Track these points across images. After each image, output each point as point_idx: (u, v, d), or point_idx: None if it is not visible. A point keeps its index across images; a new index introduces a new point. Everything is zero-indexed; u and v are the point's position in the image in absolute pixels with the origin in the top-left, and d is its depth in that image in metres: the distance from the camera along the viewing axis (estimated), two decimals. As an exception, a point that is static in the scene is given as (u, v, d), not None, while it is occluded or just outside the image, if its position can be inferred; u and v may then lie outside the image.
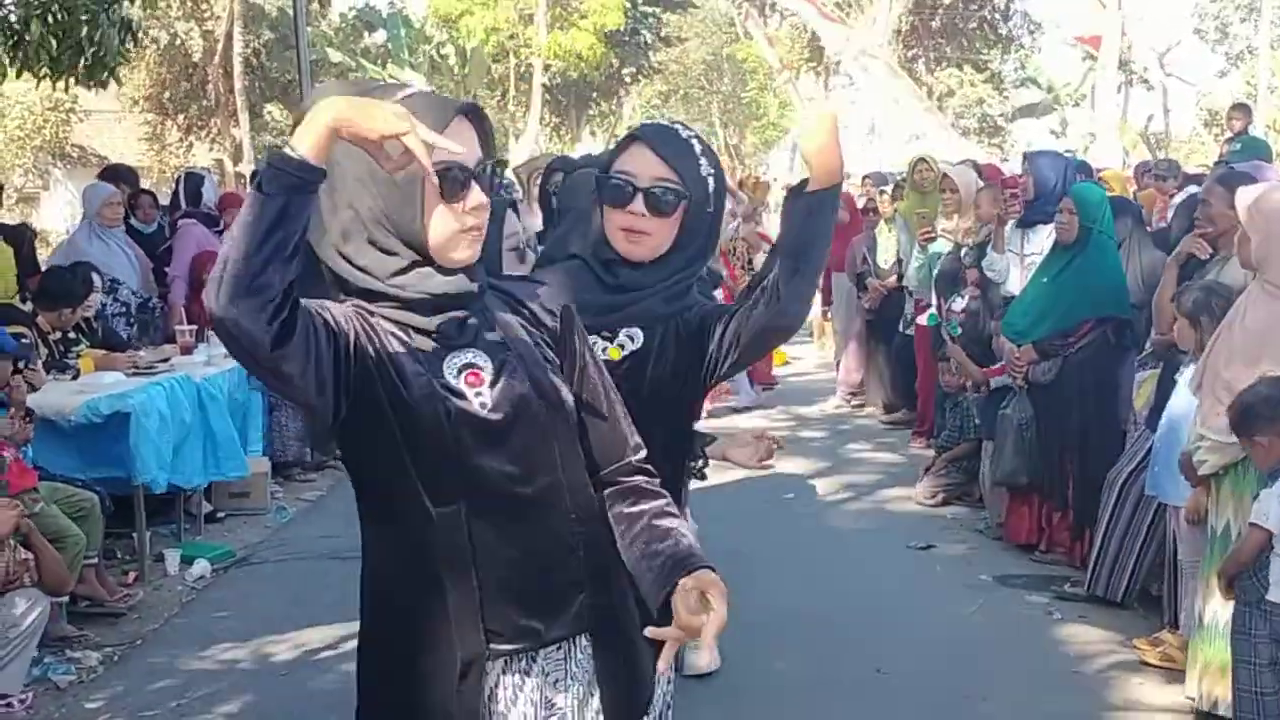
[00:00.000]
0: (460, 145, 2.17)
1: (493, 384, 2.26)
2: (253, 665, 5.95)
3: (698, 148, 2.90)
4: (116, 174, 10.78)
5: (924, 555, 7.45)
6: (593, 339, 2.66)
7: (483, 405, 2.24)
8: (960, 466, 8.56)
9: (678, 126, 2.98)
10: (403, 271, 2.20)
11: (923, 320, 9.35)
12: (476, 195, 2.21)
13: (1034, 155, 8.32)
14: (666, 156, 2.86)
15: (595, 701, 2.38)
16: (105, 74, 8.80)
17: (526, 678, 2.33)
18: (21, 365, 6.41)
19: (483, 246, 2.27)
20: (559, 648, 2.35)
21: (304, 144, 1.95)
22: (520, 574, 2.27)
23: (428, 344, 2.23)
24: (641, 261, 2.89)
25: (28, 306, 7.95)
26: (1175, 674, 5.47)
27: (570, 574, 2.32)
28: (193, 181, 10.76)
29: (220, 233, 9.84)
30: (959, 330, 8.03)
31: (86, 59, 8.51)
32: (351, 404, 2.15)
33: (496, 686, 2.32)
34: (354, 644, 6.16)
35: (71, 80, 9.06)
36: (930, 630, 6.22)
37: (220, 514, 8.48)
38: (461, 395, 2.23)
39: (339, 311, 2.18)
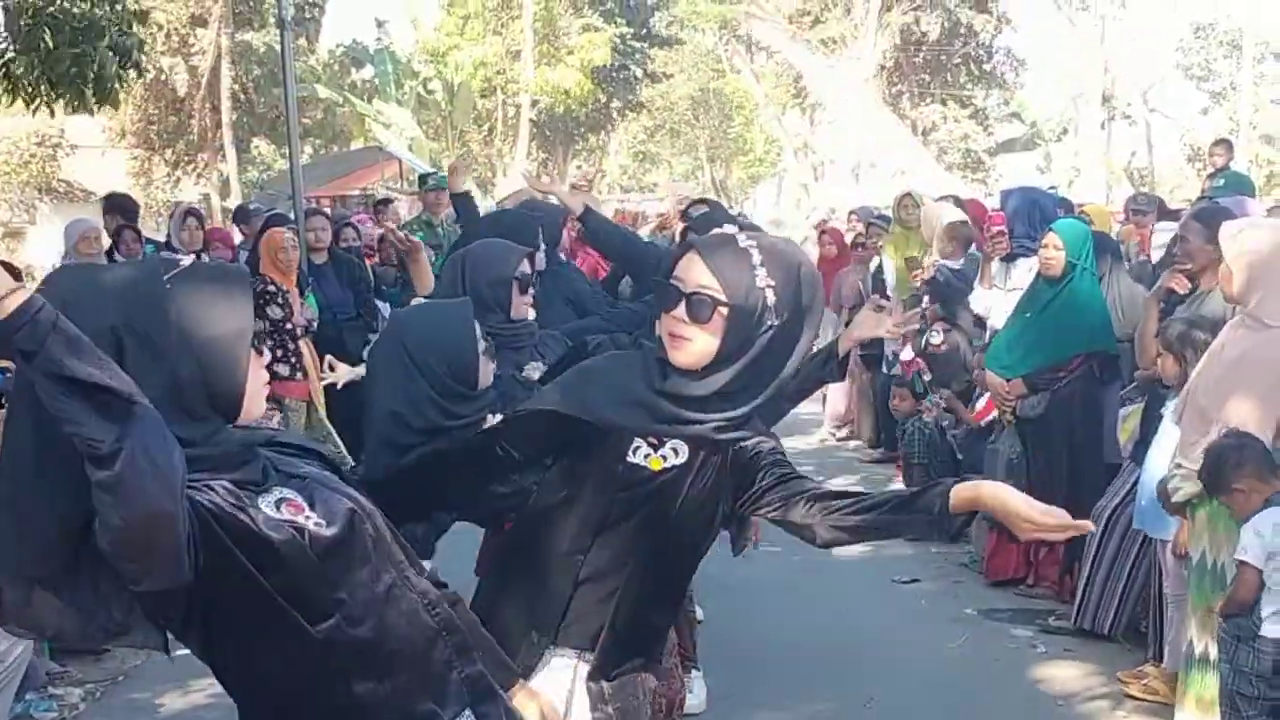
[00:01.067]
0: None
1: (310, 506, 2.29)
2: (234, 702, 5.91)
3: (756, 258, 2.83)
4: (116, 204, 10.77)
5: (909, 589, 7.45)
6: (637, 443, 2.86)
7: (318, 525, 2.26)
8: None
9: (739, 236, 2.91)
10: (212, 435, 2.20)
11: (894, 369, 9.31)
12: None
13: (1006, 193, 8.40)
14: (712, 263, 2.82)
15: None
16: (102, 98, 8.79)
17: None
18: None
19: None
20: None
21: None
22: (406, 665, 2.37)
23: (240, 493, 2.19)
24: (689, 369, 2.86)
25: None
26: (1159, 707, 5.49)
27: (443, 653, 2.44)
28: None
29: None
30: (925, 378, 8.02)
31: (86, 85, 8.51)
32: (203, 561, 2.09)
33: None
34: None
35: (67, 106, 9.04)
36: (917, 663, 6.22)
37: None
38: (294, 523, 2.24)
39: None
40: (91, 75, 8.61)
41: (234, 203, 28.67)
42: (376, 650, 2.31)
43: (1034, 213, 7.78)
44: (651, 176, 45.28)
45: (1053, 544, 7.01)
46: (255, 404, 2.26)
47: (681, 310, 2.82)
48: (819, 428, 12.52)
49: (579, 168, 40.37)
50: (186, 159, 32.77)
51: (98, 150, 31.43)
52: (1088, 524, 2.59)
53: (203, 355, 2.15)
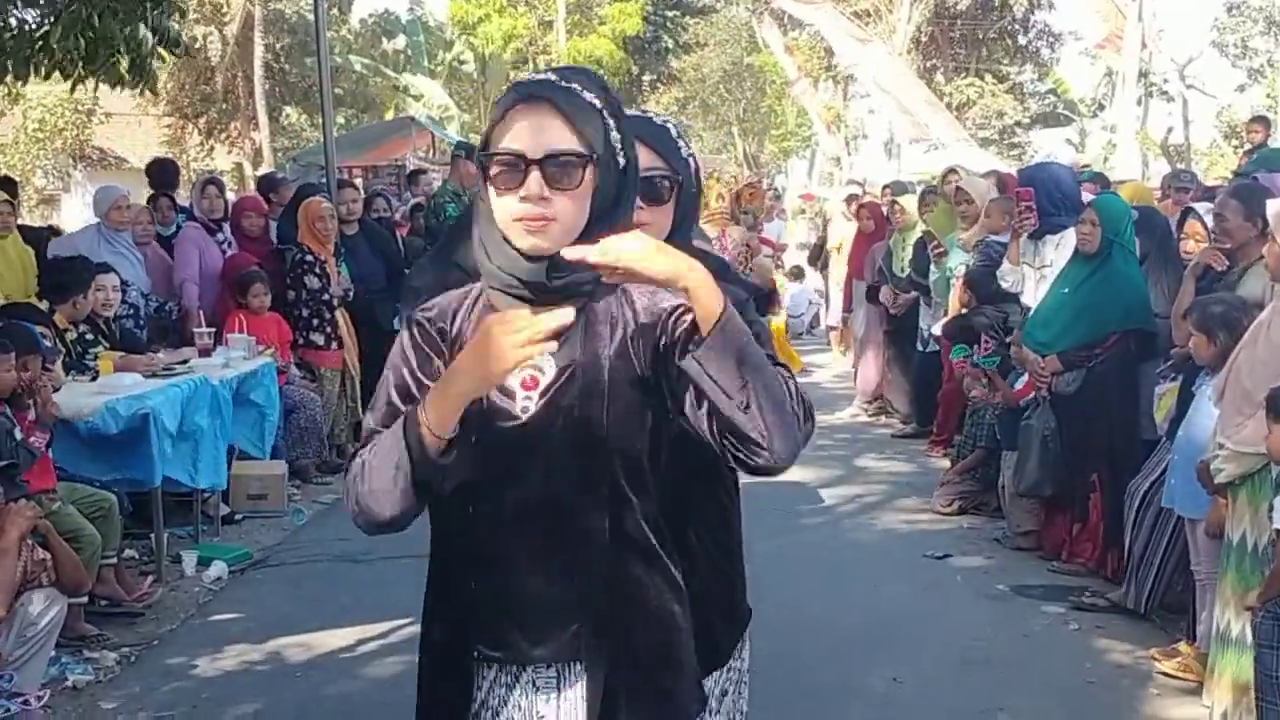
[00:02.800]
0: (533, 142, 2.16)
1: (544, 393, 2.23)
2: (268, 666, 5.96)
3: (673, 132, 2.82)
4: (153, 170, 10.82)
5: (940, 565, 7.43)
6: None
7: (524, 410, 2.22)
8: (975, 475, 8.55)
9: (651, 114, 2.89)
10: (496, 249, 2.21)
11: (955, 356, 9.20)
12: (533, 185, 2.14)
13: (1030, 170, 8.32)
14: (653, 144, 2.76)
15: None
16: (141, 79, 8.80)
17: (511, 691, 2.32)
18: (50, 365, 6.47)
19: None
20: (551, 667, 2.31)
21: (443, 427, 2.10)
22: (515, 587, 2.26)
23: None
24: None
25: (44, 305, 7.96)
26: (1191, 685, 5.46)
27: (564, 601, 2.27)
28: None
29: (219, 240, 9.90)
30: (996, 361, 7.95)
31: (120, 60, 8.52)
32: None
33: (489, 692, 2.33)
34: (368, 646, 6.18)
35: (103, 82, 9.06)
36: (947, 640, 6.20)
37: (237, 516, 8.50)
38: (510, 395, 2.23)
39: (421, 335, 2.31)
40: (125, 53, 8.61)
41: (266, 170, 28.81)
42: (490, 553, 2.30)
43: (1054, 189, 7.70)
44: (683, 149, 45.14)
45: (1087, 520, 7.01)
46: (513, 235, 2.21)
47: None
48: (850, 403, 12.49)
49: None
50: (219, 127, 32.89)
51: (131, 118, 31.53)
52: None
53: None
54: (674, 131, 2.82)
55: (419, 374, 2.26)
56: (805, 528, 8.29)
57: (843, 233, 13.95)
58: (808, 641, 6.09)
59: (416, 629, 5.73)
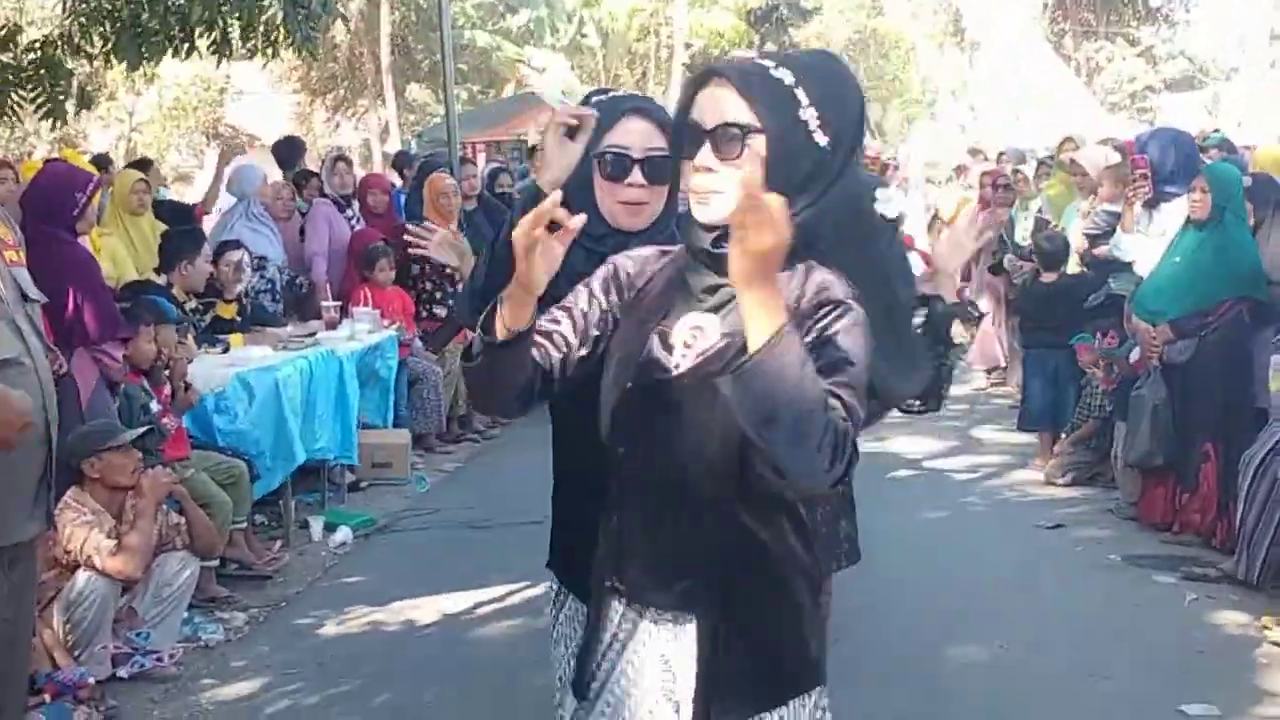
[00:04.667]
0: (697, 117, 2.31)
1: (700, 353, 2.32)
2: (391, 629, 6.17)
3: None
4: (288, 146, 11.12)
5: (1052, 534, 7.43)
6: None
7: (676, 365, 2.33)
8: (1089, 446, 8.51)
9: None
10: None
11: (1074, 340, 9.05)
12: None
13: (1145, 137, 8.20)
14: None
15: (698, 683, 2.36)
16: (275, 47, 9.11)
17: (636, 627, 2.44)
18: (183, 339, 6.74)
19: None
20: (668, 611, 2.40)
21: (514, 317, 2.27)
22: (645, 532, 2.39)
23: (687, 297, 2.37)
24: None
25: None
26: (1305, 656, 5.45)
27: (687, 552, 2.35)
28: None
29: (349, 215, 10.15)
30: (1121, 353, 7.88)
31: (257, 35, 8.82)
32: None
33: (618, 624, 2.46)
34: (487, 610, 6.36)
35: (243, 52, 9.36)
36: (1055, 608, 6.23)
37: (362, 483, 8.76)
38: (670, 349, 2.35)
39: (617, 266, 2.50)
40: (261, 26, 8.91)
41: (393, 148, 29.21)
42: (627, 495, 2.45)
43: (1177, 155, 7.61)
44: (806, 119, 44.80)
45: (1198, 489, 6.97)
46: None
47: (638, 175, 2.87)
48: (973, 373, 12.42)
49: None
50: (346, 104, 33.41)
51: (261, 96, 32.17)
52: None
53: None
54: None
55: (597, 293, 2.46)
56: (918, 497, 8.32)
57: (953, 202, 13.79)
58: (918, 609, 6.16)
59: (535, 592, 5.98)
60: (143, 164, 10.67)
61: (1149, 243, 7.52)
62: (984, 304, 11.69)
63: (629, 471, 2.40)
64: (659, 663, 2.41)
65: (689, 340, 2.33)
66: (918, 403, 3.14)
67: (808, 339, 2.15)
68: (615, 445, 2.40)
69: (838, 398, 2.11)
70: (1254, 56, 26.86)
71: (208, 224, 9.93)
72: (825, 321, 2.21)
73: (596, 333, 2.42)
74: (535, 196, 2.61)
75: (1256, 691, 5.25)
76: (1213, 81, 33.62)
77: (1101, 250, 8.53)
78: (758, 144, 2.24)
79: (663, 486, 2.35)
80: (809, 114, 2.26)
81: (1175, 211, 7.29)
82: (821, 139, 2.26)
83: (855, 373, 2.17)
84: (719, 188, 2.24)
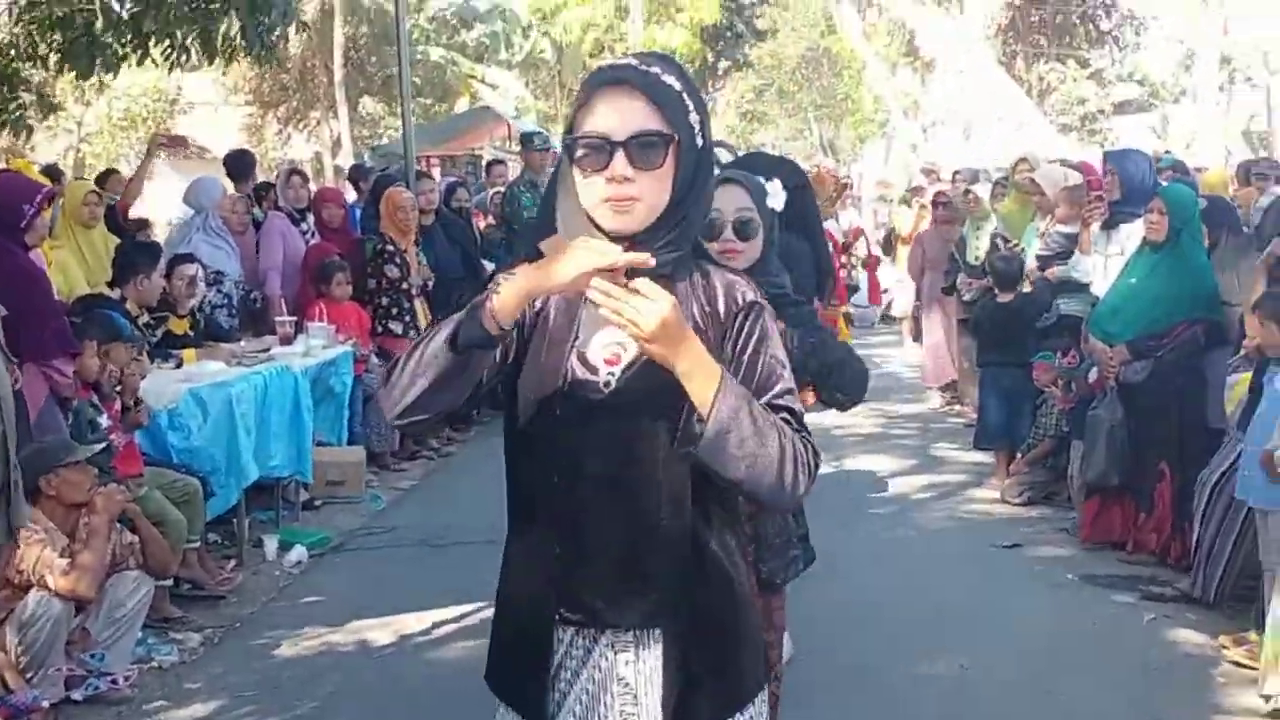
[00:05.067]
0: (619, 124, 2.24)
1: (627, 368, 2.33)
2: (348, 649, 6.11)
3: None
4: (238, 158, 11.01)
5: (1010, 554, 7.45)
6: None
7: (605, 385, 2.32)
8: (1045, 465, 8.55)
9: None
10: (579, 229, 2.29)
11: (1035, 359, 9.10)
12: (618, 166, 2.23)
13: (1117, 155, 8.27)
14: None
15: (664, 693, 2.38)
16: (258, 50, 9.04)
17: (593, 648, 2.40)
18: (138, 355, 6.65)
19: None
20: (629, 630, 2.39)
21: (502, 316, 2.16)
22: (597, 554, 2.36)
23: (594, 314, 2.25)
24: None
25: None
26: (1258, 672, 5.46)
27: (646, 568, 2.36)
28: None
29: (303, 229, 10.07)
30: (1080, 372, 7.91)
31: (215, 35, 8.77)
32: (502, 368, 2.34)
33: (566, 654, 2.41)
34: (446, 629, 6.30)
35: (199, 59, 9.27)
36: (1015, 627, 6.24)
37: (316, 501, 8.68)
38: (593, 369, 2.33)
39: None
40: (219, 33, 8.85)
41: (345, 161, 29.07)
42: (569, 519, 2.38)
43: (1139, 176, 7.68)
44: (759, 136, 44.90)
45: (1153, 510, 7.01)
46: (599, 216, 2.32)
47: (729, 234, 3.03)
48: (929, 394, 12.46)
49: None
50: (298, 116, 33.23)
51: (212, 107, 31.96)
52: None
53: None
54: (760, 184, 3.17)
55: None
56: (875, 516, 8.34)
57: (909, 221, 13.89)
58: (876, 628, 6.16)
59: (493, 613, 5.84)
60: (107, 174, 10.53)
61: (1106, 263, 7.57)
62: (936, 322, 11.75)
63: (573, 499, 2.35)
64: (618, 686, 2.41)
65: (610, 356, 2.34)
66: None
67: (737, 351, 2.31)
68: (551, 474, 2.36)
69: (787, 410, 2.29)
70: (1203, 79, 27.13)
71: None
72: (746, 327, 2.34)
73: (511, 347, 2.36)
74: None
75: (1216, 710, 5.28)
76: (1161, 104, 34.01)
77: (1053, 272, 8.60)
78: (671, 152, 2.27)
79: (613, 507, 2.34)
80: (694, 118, 2.32)
81: (1133, 232, 7.34)
82: (700, 140, 2.33)
83: (788, 375, 2.35)
84: (638, 194, 2.25)
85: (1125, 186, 7.62)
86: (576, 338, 2.34)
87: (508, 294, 2.15)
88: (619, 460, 2.33)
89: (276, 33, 9.58)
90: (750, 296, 2.37)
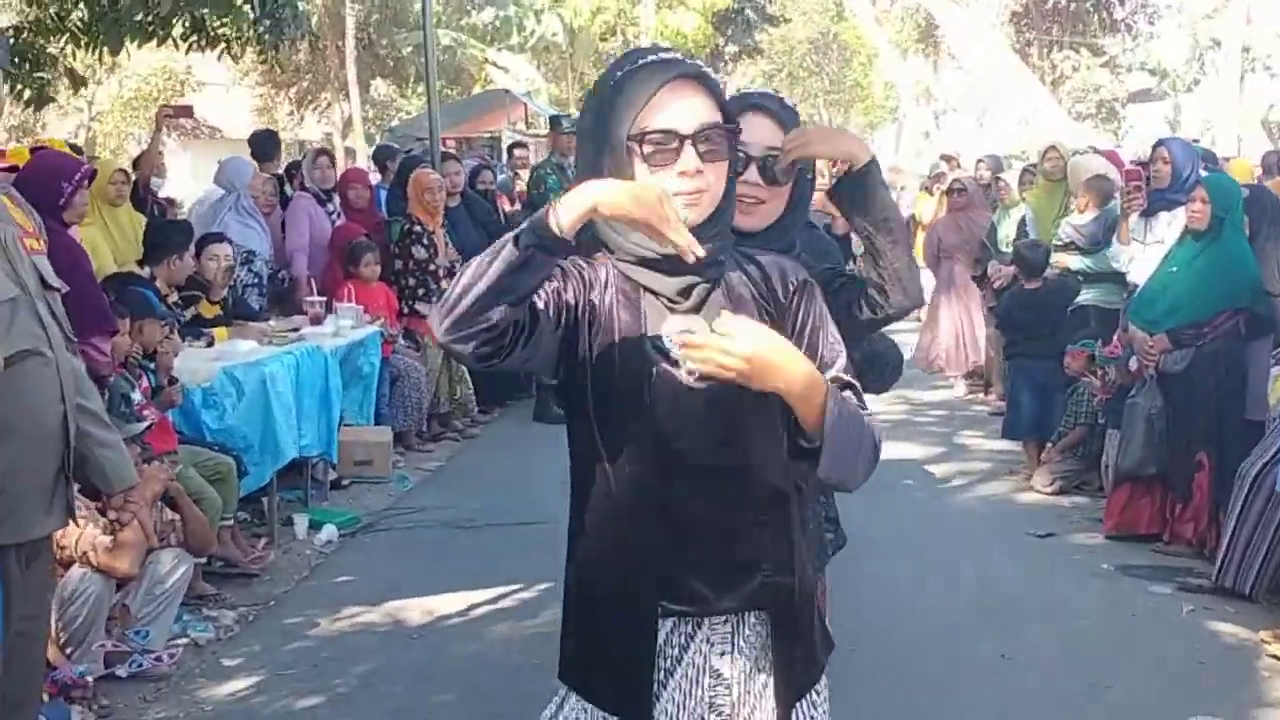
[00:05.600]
0: (686, 118, 2.27)
1: None
2: (384, 629, 6.09)
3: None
4: (263, 139, 10.97)
5: (1044, 543, 7.42)
6: None
7: (690, 373, 2.27)
8: (1076, 454, 8.52)
9: (777, 93, 3.10)
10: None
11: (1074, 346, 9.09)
12: (688, 160, 2.25)
13: (1170, 142, 8.24)
14: (781, 122, 2.94)
15: (763, 677, 2.43)
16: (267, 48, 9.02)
17: (691, 641, 2.39)
18: (170, 333, 6.63)
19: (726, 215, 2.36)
20: (725, 620, 2.39)
21: (566, 217, 2.10)
22: (698, 541, 2.35)
23: (655, 304, 2.31)
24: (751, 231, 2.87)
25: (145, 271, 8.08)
26: (1304, 669, 5.46)
27: (751, 550, 2.38)
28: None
29: (329, 210, 10.03)
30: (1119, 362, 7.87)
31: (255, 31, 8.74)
32: (565, 363, 2.30)
33: (665, 644, 2.39)
34: (480, 611, 6.29)
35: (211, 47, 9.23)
36: (1054, 618, 6.21)
37: (344, 481, 8.66)
38: (673, 360, 2.29)
39: (572, 272, 2.33)
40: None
41: (355, 142, 29.06)
42: (672, 510, 2.35)
43: (1188, 164, 7.66)
44: (769, 122, 44.90)
45: (1190, 500, 6.98)
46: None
47: (753, 174, 2.87)
48: (952, 381, 12.41)
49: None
50: (309, 98, 33.21)
51: (223, 87, 31.92)
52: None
53: (607, 156, 2.33)
54: (796, 115, 3.01)
55: (565, 290, 2.32)
56: (907, 505, 8.29)
57: (924, 208, 13.83)
58: (914, 617, 6.14)
59: (527, 595, 5.86)
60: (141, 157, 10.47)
61: (1145, 251, 7.54)
62: (954, 309, 11.68)
63: (668, 489, 2.34)
64: (711, 677, 2.41)
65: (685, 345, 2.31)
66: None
67: (796, 331, 2.36)
68: (644, 466, 2.34)
69: (849, 386, 2.34)
70: (1222, 68, 27.07)
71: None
72: (803, 308, 2.39)
73: (563, 321, 2.31)
74: None
75: (1260, 705, 5.24)
76: (1175, 93, 33.95)
77: (1061, 260, 8.66)
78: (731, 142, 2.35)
79: (714, 492, 2.35)
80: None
81: (1172, 221, 7.30)
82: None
83: (843, 350, 2.41)
84: (706, 185, 2.29)
85: (1174, 174, 7.58)
86: (645, 328, 2.32)
87: (572, 202, 2.13)
88: (715, 446, 2.33)
89: (286, 34, 9.54)
90: (801, 275, 2.43)
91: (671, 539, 2.34)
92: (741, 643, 2.41)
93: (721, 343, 2.08)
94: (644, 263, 2.30)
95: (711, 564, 2.37)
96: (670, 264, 2.26)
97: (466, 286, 2.08)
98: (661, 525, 2.34)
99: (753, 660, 2.41)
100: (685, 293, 2.31)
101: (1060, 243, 9.07)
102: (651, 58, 2.32)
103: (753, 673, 2.42)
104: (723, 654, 2.40)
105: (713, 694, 2.41)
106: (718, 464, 2.34)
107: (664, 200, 2.13)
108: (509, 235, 2.10)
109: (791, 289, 2.39)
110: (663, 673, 2.39)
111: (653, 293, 2.31)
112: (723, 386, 2.25)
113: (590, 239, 2.35)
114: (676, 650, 2.40)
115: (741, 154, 2.76)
